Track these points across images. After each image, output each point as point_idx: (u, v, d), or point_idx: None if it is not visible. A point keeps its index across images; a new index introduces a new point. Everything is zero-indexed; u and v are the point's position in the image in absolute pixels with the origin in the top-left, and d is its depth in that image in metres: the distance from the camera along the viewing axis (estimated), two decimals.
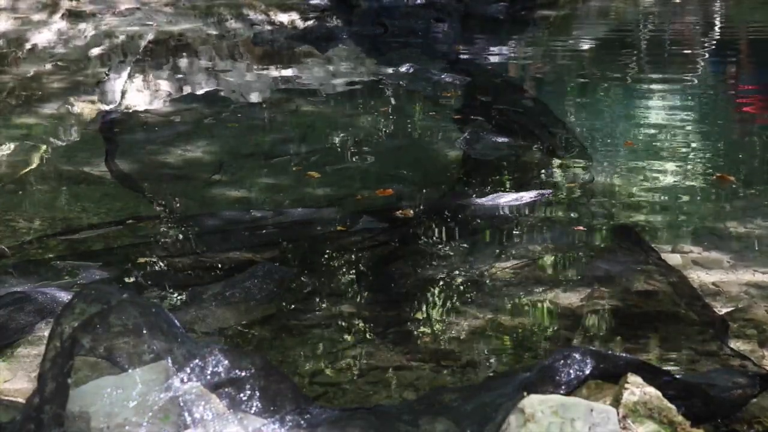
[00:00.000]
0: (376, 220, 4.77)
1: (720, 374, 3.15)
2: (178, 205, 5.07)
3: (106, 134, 6.46)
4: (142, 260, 4.24)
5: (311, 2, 11.24)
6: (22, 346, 3.45)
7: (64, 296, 3.65)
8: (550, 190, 5.12)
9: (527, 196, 4.97)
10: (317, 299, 3.91)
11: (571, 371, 2.71)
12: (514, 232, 4.63)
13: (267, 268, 4.07)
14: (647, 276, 4.05)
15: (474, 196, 5.07)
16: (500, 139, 5.98)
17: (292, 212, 4.88)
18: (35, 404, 2.66)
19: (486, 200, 4.95)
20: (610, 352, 2.91)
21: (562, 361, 2.73)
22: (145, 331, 2.81)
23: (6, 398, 3.06)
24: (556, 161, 5.70)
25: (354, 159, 5.93)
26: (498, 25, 11.52)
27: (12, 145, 6.17)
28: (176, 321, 2.92)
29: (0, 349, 3.43)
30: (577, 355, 2.75)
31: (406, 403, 2.92)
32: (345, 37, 10.45)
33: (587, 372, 2.72)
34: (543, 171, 5.52)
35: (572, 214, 4.88)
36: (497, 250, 4.40)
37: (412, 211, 4.78)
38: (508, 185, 5.31)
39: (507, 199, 4.92)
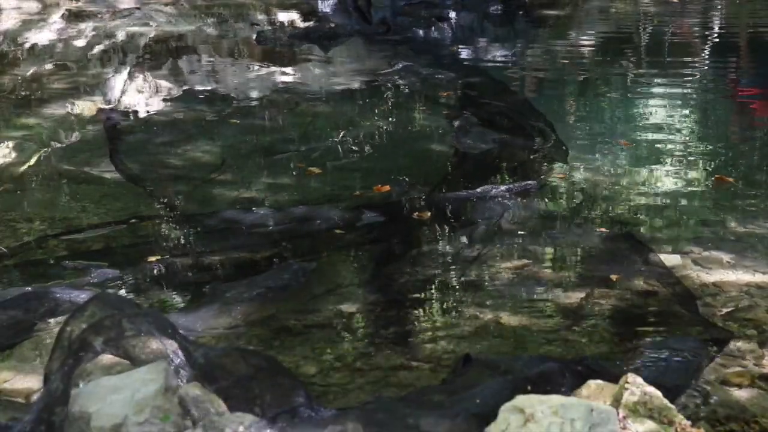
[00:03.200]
0: (379, 214, 4.80)
1: (679, 341, 3.38)
2: (181, 203, 5.07)
3: (110, 133, 6.46)
4: (152, 258, 4.25)
5: (333, 20, 11.22)
6: (22, 346, 3.46)
7: (74, 296, 3.68)
8: (535, 182, 5.22)
9: (515, 187, 5.11)
10: (317, 299, 3.91)
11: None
12: (511, 228, 4.65)
13: (287, 266, 4.11)
14: (640, 273, 4.06)
15: (466, 190, 5.14)
16: (485, 133, 6.16)
17: (293, 211, 4.88)
18: (46, 404, 2.67)
19: (478, 193, 5.03)
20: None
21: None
22: (154, 334, 2.83)
23: (5, 398, 3.06)
24: (537, 153, 5.80)
25: (352, 156, 5.98)
26: (499, 24, 11.54)
27: (12, 145, 6.17)
28: (177, 326, 2.94)
29: (5, 348, 3.44)
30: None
31: (403, 403, 2.91)
32: (347, 36, 10.46)
33: None
34: (526, 163, 5.65)
35: (569, 212, 4.90)
36: (496, 249, 4.40)
37: (429, 213, 4.78)
38: (496, 178, 5.39)
39: (497, 191, 5.05)
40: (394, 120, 6.91)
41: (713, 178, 5.37)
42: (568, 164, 5.58)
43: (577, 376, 2.89)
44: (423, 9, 11.61)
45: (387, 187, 5.26)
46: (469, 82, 7.94)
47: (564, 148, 5.86)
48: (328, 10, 11.46)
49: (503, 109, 6.89)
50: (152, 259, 4.24)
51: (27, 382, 3.20)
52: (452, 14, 11.51)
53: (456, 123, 6.40)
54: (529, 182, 5.19)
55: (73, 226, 4.70)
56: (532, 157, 5.73)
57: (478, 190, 5.05)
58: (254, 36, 10.49)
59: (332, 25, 10.88)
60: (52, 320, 3.59)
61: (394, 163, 5.83)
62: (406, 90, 7.85)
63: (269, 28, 11.02)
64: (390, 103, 7.47)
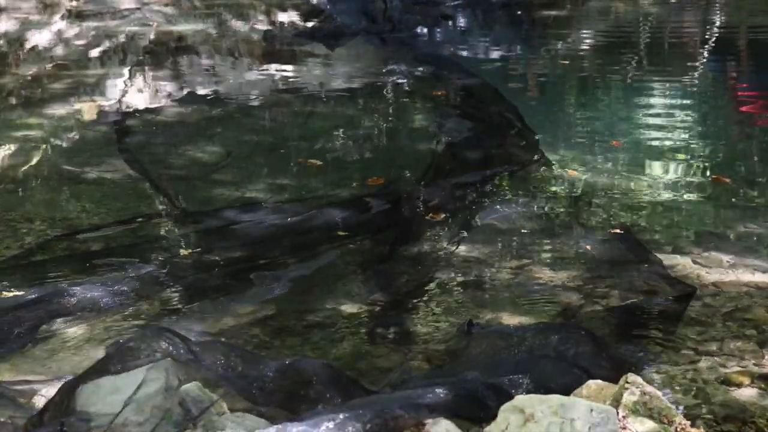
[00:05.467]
0: (385, 202, 4.99)
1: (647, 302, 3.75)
2: (191, 198, 5.12)
3: (118, 131, 6.48)
4: (185, 252, 4.32)
5: (339, 19, 11.26)
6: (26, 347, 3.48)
7: (109, 291, 3.81)
8: (513, 168, 5.52)
9: (495, 171, 5.50)
10: (317, 299, 3.91)
11: None
12: (495, 222, 4.74)
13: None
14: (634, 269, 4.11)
15: (451, 177, 5.39)
16: (462, 123, 6.58)
17: (295, 209, 4.91)
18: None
19: (465, 179, 5.32)
20: None
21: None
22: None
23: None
24: (511, 142, 6.11)
25: (349, 150, 6.15)
26: (499, 24, 11.56)
27: (12, 145, 6.18)
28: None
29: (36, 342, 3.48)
30: None
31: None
32: (352, 34, 10.50)
33: None
34: (500, 149, 5.95)
35: (553, 205, 4.94)
36: (495, 247, 4.41)
37: (443, 215, 4.80)
38: (478, 166, 5.65)
39: (481, 176, 5.41)
40: (390, 116, 7.03)
41: (710, 179, 5.37)
42: (542, 152, 5.77)
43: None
44: (430, 7, 11.70)
45: (381, 180, 5.39)
46: (454, 79, 8.12)
47: (535, 137, 6.12)
48: (329, 6, 11.52)
49: (478, 102, 7.33)
50: (185, 252, 4.32)
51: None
52: (454, 13, 11.60)
53: (436, 114, 6.91)
54: (507, 168, 5.54)
55: (79, 226, 4.71)
56: (506, 146, 6.05)
57: (464, 177, 5.36)
58: (261, 35, 10.52)
59: (337, 23, 10.91)
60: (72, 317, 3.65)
61: (388, 156, 6.03)
62: (404, 88, 7.95)
63: (270, 27, 11.03)
64: (386, 101, 7.57)
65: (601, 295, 3.90)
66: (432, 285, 4.06)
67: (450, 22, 11.35)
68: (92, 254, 4.36)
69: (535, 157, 5.70)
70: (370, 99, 7.58)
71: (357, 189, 5.30)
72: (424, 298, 3.94)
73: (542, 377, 2.96)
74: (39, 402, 2.96)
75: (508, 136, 6.26)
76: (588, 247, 4.44)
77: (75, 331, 3.59)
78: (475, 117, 6.76)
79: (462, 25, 11.41)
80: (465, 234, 4.58)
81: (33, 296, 3.78)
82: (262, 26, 11.12)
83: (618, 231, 4.56)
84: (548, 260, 4.30)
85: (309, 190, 5.29)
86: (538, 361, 3.15)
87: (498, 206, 4.94)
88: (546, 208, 4.97)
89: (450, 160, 5.79)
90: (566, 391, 2.66)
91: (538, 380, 2.92)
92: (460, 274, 4.14)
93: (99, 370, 2.84)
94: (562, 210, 4.99)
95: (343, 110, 7.24)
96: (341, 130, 6.55)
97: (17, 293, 3.87)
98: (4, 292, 3.90)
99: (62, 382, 2.90)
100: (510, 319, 3.70)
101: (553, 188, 5.27)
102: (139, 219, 4.80)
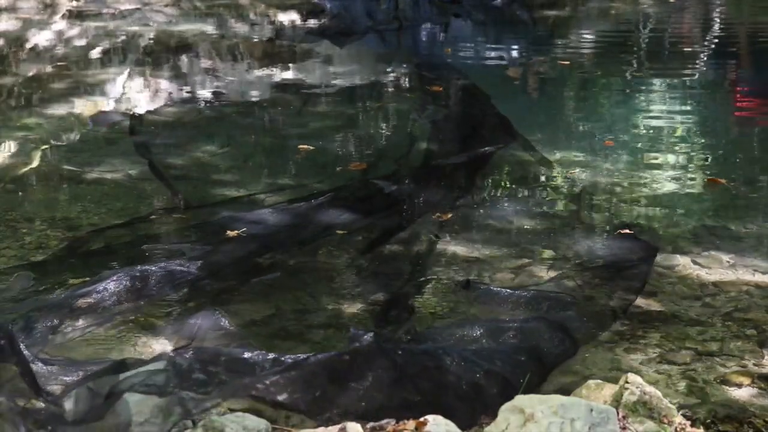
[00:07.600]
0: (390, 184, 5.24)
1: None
2: (192, 198, 5.16)
3: (134, 131, 6.52)
4: (232, 233, 4.46)
5: (348, 17, 11.33)
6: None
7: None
8: (501, 146, 5.86)
9: (477, 155, 5.80)
10: (317, 298, 3.91)
11: None
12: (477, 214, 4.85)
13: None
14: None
15: (440, 159, 5.74)
16: (438, 110, 7.12)
17: (297, 207, 4.92)
18: None
19: (452, 161, 5.67)
20: None
21: None
22: None
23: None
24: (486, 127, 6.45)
25: (344, 139, 6.43)
26: (500, 24, 11.61)
27: (12, 145, 6.18)
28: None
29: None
30: None
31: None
32: (362, 33, 10.58)
33: None
34: (479, 134, 6.30)
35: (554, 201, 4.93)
36: (496, 246, 4.41)
37: (450, 215, 4.81)
38: (463, 149, 5.97)
39: (466, 157, 5.76)
40: (381, 112, 7.22)
41: (705, 180, 5.36)
42: (516, 136, 6.06)
43: None
44: (449, 4, 11.85)
45: (364, 165, 5.64)
46: (446, 79, 8.29)
47: (509, 122, 6.36)
48: (330, 5, 11.59)
49: (457, 94, 7.75)
50: (232, 234, 4.46)
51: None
52: (462, 12, 11.72)
53: (416, 103, 7.48)
54: (486, 149, 5.83)
55: (80, 226, 4.72)
56: (484, 132, 6.37)
57: (451, 159, 5.73)
58: (273, 34, 10.60)
59: (347, 22, 10.96)
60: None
61: (379, 147, 6.23)
62: (398, 86, 8.07)
63: (280, 27, 11.06)
64: (379, 98, 7.67)
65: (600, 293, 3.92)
66: (431, 283, 4.06)
67: (456, 21, 11.46)
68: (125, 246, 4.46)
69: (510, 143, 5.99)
70: (365, 97, 7.67)
71: (342, 176, 5.47)
72: (423, 298, 3.93)
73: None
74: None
75: (485, 127, 6.55)
76: (587, 245, 4.45)
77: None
78: (465, 114, 7.02)
79: (466, 24, 11.47)
80: (461, 230, 4.60)
81: (92, 285, 3.83)
82: (266, 26, 11.14)
83: (627, 231, 4.55)
84: (549, 257, 4.31)
85: (303, 183, 5.39)
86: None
87: (495, 205, 4.96)
88: (544, 208, 4.97)
89: (432, 146, 6.09)
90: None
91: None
92: (459, 271, 4.14)
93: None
94: (560, 209, 4.99)
95: (339, 107, 7.35)
96: (335, 125, 6.71)
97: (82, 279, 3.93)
98: (71, 280, 3.95)
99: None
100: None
101: (552, 188, 5.27)
102: (152, 216, 4.85)
